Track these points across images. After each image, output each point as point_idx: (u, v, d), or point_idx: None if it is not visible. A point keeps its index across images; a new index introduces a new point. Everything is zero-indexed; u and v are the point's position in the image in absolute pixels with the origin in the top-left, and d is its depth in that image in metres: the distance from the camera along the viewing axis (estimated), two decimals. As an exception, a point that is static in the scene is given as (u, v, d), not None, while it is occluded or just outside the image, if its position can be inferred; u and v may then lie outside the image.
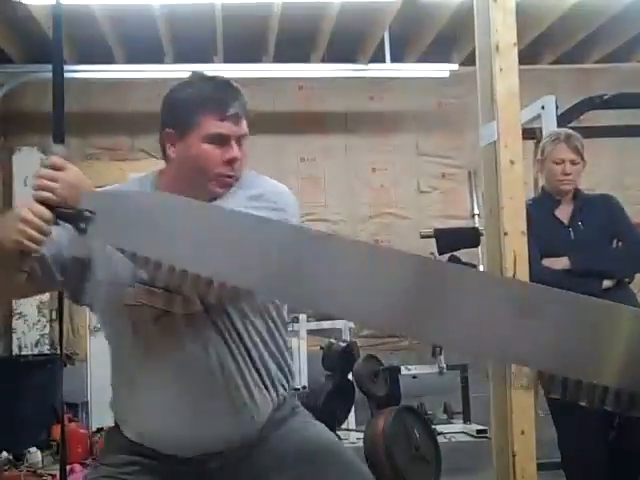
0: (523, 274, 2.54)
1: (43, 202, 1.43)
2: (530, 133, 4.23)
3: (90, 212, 1.41)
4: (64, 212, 1.44)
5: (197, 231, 1.35)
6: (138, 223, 1.40)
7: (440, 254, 5.52)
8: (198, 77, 1.67)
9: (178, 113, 1.62)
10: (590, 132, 4.23)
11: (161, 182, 1.68)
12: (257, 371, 1.63)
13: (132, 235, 1.39)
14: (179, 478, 1.62)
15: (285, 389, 1.71)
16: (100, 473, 1.64)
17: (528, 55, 5.95)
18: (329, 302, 1.23)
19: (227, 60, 6.07)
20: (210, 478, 1.62)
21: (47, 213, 1.42)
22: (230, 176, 1.63)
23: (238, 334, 1.60)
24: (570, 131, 3.09)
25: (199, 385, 1.58)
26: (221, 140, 1.60)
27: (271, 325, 1.68)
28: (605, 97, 4.59)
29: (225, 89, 1.64)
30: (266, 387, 1.64)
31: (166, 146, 1.65)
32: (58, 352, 4.88)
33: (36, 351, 5.97)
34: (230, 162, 1.61)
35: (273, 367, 1.67)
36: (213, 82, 1.65)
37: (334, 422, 3.96)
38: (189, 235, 1.35)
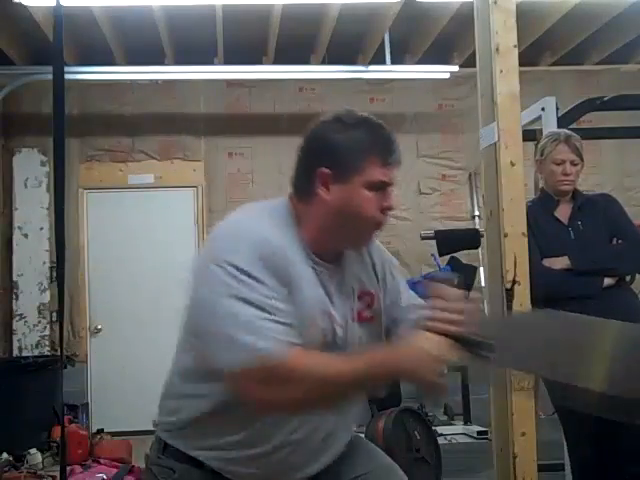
0: (523, 275, 2.54)
1: (442, 333, 1.40)
2: (530, 135, 4.23)
3: (489, 338, 1.39)
4: (465, 341, 1.41)
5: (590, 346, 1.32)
6: (536, 345, 1.37)
7: (440, 255, 5.52)
8: (356, 118, 1.57)
9: (339, 154, 1.52)
10: (590, 134, 4.24)
11: (303, 219, 1.56)
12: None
13: (533, 358, 1.37)
14: None
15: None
16: None
17: (528, 57, 5.95)
18: None
19: (227, 62, 6.08)
20: None
21: (455, 346, 1.40)
22: (382, 225, 1.59)
23: None
24: (569, 132, 3.09)
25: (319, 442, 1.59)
26: (381, 187, 1.54)
27: None
28: (605, 99, 4.59)
29: (388, 134, 1.58)
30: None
31: (315, 185, 1.53)
32: (58, 354, 4.88)
33: (36, 353, 5.97)
34: (387, 210, 1.56)
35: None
36: (374, 126, 1.58)
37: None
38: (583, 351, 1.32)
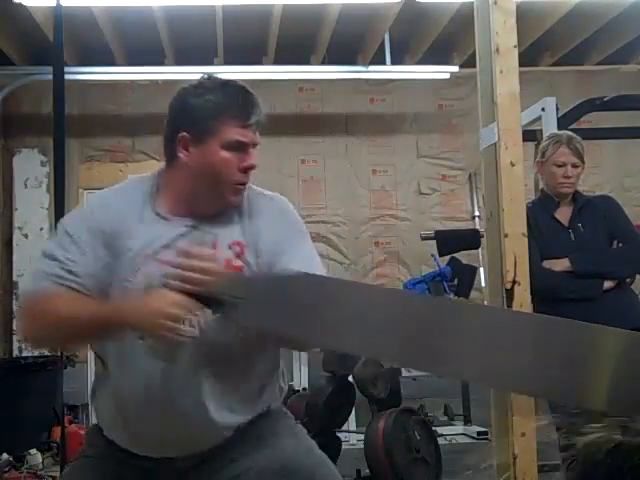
0: (523, 276, 2.54)
1: (183, 292, 1.44)
2: (530, 135, 4.24)
3: (237, 298, 1.43)
4: (210, 299, 1.44)
5: (339, 309, 1.38)
6: (281, 305, 1.44)
7: (440, 256, 5.53)
8: (215, 82, 1.64)
9: (196, 117, 1.60)
10: (590, 134, 4.24)
11: (164, 185, 1.67)
12: (235, 389, 1.64)
13: (276, 317, 1.43)
14: (152, 474, 1.66)
15: (269, 403, 1.72)
16: (81, 463, 1.72)
17: (528, 57, 5.96)
18: (457, 365, 1.26)
19: (227, 62, 6.08)
20: (181, 476, 1.66)
21: (194, 305, 1.44)
22: (244, 184, 1.65)
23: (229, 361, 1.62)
24: (571, 133, 3.08)
25: (175, 393, 1.58)
26: (240, 148, 1.60)
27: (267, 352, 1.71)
28: (605, 99, 4.59)
29: (246, 96, 1.63)
30: (244, 400, 1.65)
31: (177, 149, 1.62)
32: (58, 354, 4.87)
33: (36, 353, 5.96)
34: (247, 170, 1.63)
35: (256, 385, 1.68)
36: (233, 88, 1.63)
37: (334, 424, 3.96)
38: (332, 313, 1.39)
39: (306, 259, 1.66)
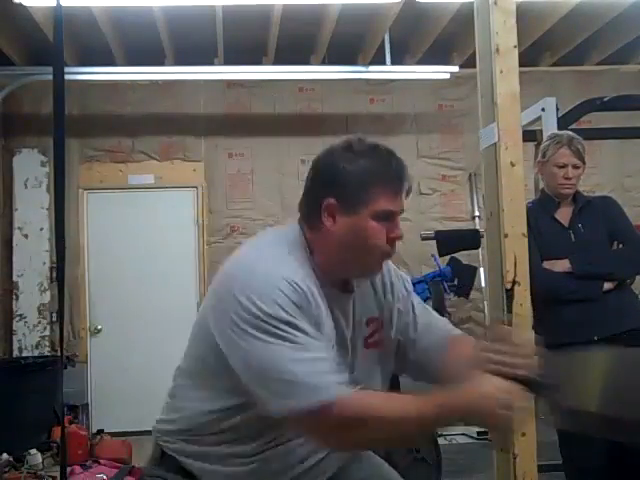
0: (523, 276, 2.54)
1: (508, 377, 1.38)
2: (530, 135, 4.24)
3: (554, 378, 1.39)
4: (531, 383, 1.38)
5: None
6: (596, 384, 1.39)
7: (441, 256, 5.53)
8: (365, 145, 1.54)
9: (347, 185, 1.49)
10: (590, 134, 4.24)
11: (314, 251, 1.55)
12: None
13: (593, 396, 1.39)
14: None
15: None
16: None
17: (528, 57, 5.95)
18: None
19: (227, 62, 6.08)
20: None
21: (523, 391, 1.37)
22: (391, 255, 1.57)
23: None
24: (572, 134, 3.07)
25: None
26: (389, 217, 1.51)
27: None
28: (605, 99, 4.59)
29: (398, 163, 1.53)
30: None
31: (322, 215, 1.51)
32: (58, 354, 4.87)
33: (36, 353, 5.97)
34: (395, 240, 1.54)
35: None
36: (385, 153, 1.54)
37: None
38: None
39: (432, 313, 1.72)
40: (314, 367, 1.37)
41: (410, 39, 6.18)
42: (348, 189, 1.49)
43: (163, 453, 1.60)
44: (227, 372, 1.44)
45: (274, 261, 1.48)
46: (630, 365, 1.31)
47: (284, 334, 1.38)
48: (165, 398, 1.66)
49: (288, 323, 1.39)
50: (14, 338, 6.00)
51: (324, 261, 1.53)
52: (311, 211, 1.55)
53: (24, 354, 5.94)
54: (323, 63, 6.26)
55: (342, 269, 1.55)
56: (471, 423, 1.44)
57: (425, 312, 1.73)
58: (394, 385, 4.07)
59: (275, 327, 1.38)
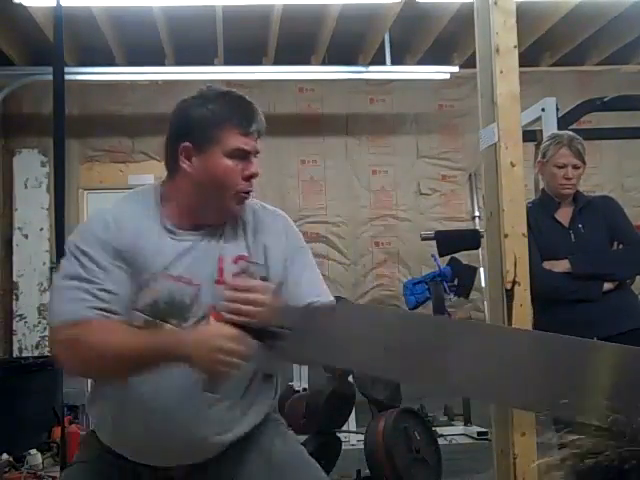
0: (523, 276, 2.54)
1: (235, 324, 1.42)
2: (531, 135, 4.24)
3: (286, 329, 1.42)
4: (261, 332, 1.43)
5: (373, 336, 1.38)
6: (327, 337, 1.43)
7: (440, 256, 5.53)
8: (214, 91, 1.66)
9: (198, 127, 1.60)
10: (590, 134, 4.24)
11: (168, 196, 1.66)
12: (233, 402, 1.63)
13: (322, 349, 1.43)
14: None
15: (264, 413, 1.72)
16: (77, 467, 1.71)
17: (528, 57, 5.96)
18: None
19: (227, 62, 6.08)
20: None
21: (248, 339, 1.42)
22: (248, 192, 1.64)
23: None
24: (572, 134, 3.07)
25: (175, 405, 1.58)
26: (242, 156, 1.61)
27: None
28: (605, 99, 4.60)
29: (247, 105, 1.65)
30: (242, 413, 1.65)
31: (179, 159, 1.61)
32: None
33: (36, 353, 5.97)
34: (250, 178, 1.62)
35: (254, 396, 1.68)
36: (233, 97, 1.65)
37: (334, 424, 3.96)
38: (367, 341, 1.39)
39: (311, 277, 1.71)
40: (73, 286, 1.54)
41: (410, 39, 6.18)
42: (199, 131, 1.60)
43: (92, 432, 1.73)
44: None
45: (104, 209, 1.68)
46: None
47: (75, 257, 1.58)
48: None
49: (81, 250, 1.58)
50: (14, 338, 6.01)
51: (179, 207, 1.63)
52: (170, 159, 1.65)
53: (24, 354, 5.94)
54: (323, 63, 6.27)
55: (201, 209, 1.63)
56: (182, 363, 1.46)
57: (302, 271, 1.71)
58: (394, 387, 4.05)
59: (71, 252, 1.59)
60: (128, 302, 1.56)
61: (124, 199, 1.73)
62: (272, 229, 1.71)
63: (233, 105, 1.63)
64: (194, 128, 1.61)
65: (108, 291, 1.54)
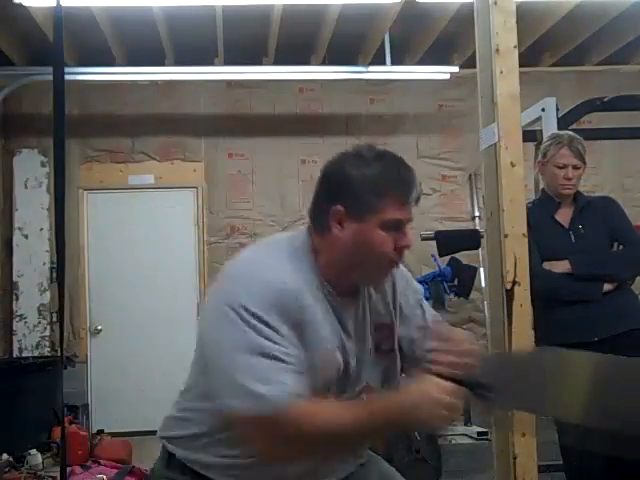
0: (523, 276, 2.54)
1: (446, 377, 1.37)
2: (531, 135, 4.24)
3: (492, 378, 1.39)
4: (471, 383, 1.39)
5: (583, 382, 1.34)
6: (534, 385, 1.38)
7: (440, 256, 5.53)
8: (373, 153, 1.52)
9: (356, 193, 1.48)
10: (590, 134, 4.24)
11: (320, 252, 1.54)
12: None
13: (531, 397, 1.38)
14: None
15: None
16: None
17: (528, 57, 5.96)
18: None
19: (227, 62, 6.08)
20: None
21: (461, 391, 1.37)
22: (398, 263, 1.58)
23: None
24: (573, 134, 3.07)
25: None
26: (397, 227, 1.50)
27: None
28: (605, 99, 4.60)
29: (407, 171, 1.52)
30: None
31: (330, 221, 1.50)
32: (58, 354, 4.87)
33: (36, 353, 5.97)
34: (403, 249, 1.53)
35: None
36: (393, 162, 1.53)
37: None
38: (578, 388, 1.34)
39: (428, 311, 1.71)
40: (267, 365, 1.37)
41: (410, 39, 6.18)
42: (356, 196, 1.48)
43: (170, 456, 1.60)
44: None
45: (267, 262, 1.49)
46: (616, 374, 1.31)
47: (254, 324, 1.39)
48: (171, 409, 1.66)
49: (260, 319, 1.39)
50: (14, 338, 6.00)
51: (329, 266, 1.52)
52: (320, 217, 1.53)
53: (24, 354, 5.94)
54: (323, 63, 6.26)
55: (348, 275, 1.54)
56: (409, 426, 1.42)
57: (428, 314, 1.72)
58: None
59: (246, 319, 1.39)
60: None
61: (277, 248, 1.56)
62: (401, 278, 1.70)
63: (394, 172, 1.50)
64: (350, 192, 1.48)
65: (300, 373, 1.40)
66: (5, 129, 6.23)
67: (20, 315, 6.02)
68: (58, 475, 3.68)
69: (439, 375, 1.36)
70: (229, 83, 6.36)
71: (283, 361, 1.37)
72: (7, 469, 4.63)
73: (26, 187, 6.12)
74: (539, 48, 6.24)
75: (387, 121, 6.57)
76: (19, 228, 6.09)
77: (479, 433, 5.05)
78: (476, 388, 1.38)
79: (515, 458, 2.52)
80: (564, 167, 2.97)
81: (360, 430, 1.38)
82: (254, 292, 1.42)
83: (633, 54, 6.57)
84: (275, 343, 1.38)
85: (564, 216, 3.03)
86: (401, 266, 1.67)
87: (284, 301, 1.42)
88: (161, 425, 1.66)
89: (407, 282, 1.72)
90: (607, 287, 2.91)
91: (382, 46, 5.93)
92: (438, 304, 5.18)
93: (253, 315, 1.39)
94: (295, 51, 6.06)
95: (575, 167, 2.98)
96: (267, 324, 1.39)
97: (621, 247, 3.02)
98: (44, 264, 6.05)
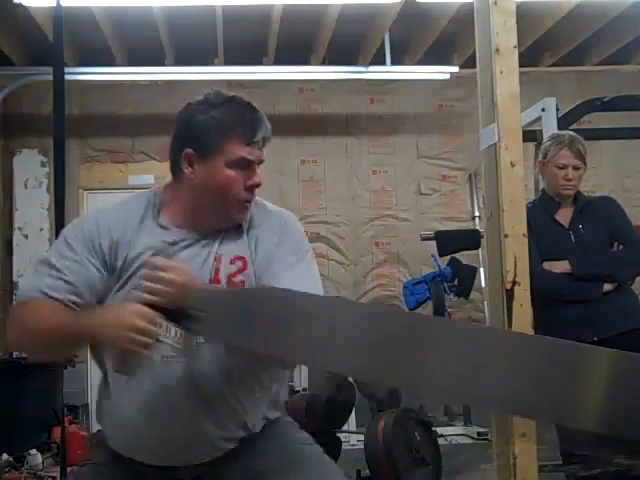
0: (523, 276, 2.54)
1: (149, 304, 1.44)
2: (531, 135, 4.24)
3: (200, 311, 1.42)
4: (173, 313, 1.44)
5: (309, 324, 1.36)
6: (248, 319, 1.41)
7: (441, 256, 5.53)
8: (220, 98, 1.63)
9: (202, 135, 1.59)
10: (590, 134, 4.24)
11: (170, 198, 1.67)
12: (239, 405, 1.62)
13: (241, 331, 1.41)
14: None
15: (272, 415, 1.73)
16: (86, 469, 1.70)
17: (529, 57, 5.96)
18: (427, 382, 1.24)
19: (227, 62, 6.08)
20: None
21: (156, 317, 1.43)
22: (249, 201, 1.65)
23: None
24: (573, 134, 3.07)
25: (181, 403, 1.58)
26: (245, 165, 1.61)
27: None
28: (605, 99, 4.60)
29: (252, 113, 1.62)
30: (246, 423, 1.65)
31: (182, 164, 1.62)
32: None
33: (36, 353, 5.96)
34: (252, 187, 1.63)
35: (258, 406, 1.68)
36: (239, 105, 1.63)
37: (334, 424, 3.96)
38: (300, 328, 1.37)
39: (295, 279, 1.59)
40: (43, 273, 1.59)
41: (410, 39, 6.18)
42: (202, 138, 1.59)
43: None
44: None
45: (96, 211, 1.73)
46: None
47: (57, 246, 1.65)
48: None
49: (66, 241, 1.63)
50: (14, 338, 6.00)
51: (180, 211, 1.64)
52: (173, 163, 1.65)
53: (24, 354, 5.94)
54: (323, 63, 6.27)
55: (202, 215, 1.63)
56: (105, 342, 1.51)
57: (285, 271, 1.65)
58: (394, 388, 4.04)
59: (58, 241, 1.67)
60: (102, 294, 1.60)
61: (125, 199, 1.73)
62: (268, 226, 1.71)
63: (238, 114, 1.61)
64: (197, 135, 1.60)
65: (68, 282, 1.57)
66: (5, 129, 6.24)
67: (20, 315, 6.02)
68: (58, 475, 3.69)
69: (145, 302, 1.43)
70: (229, 83, 6.35)
71: (58, 270, 1.58)
72: (7, 469, 4.63)
73: (26, 187, 6.12)
74: (539, 48, 6.25)
75: (387, 121, 6.57)
76: (19, 228, 6.09)
77: (479, 433, 5.06)
78: (179, 318, 1.45)
79: (515, 458, 2.52)
80: (564, 167, 2.97)
81: (64, 333, 1.53)
82: (75, 225, 1.70)
83: (633, 54, 6.58)
84: (63, 258, 1.60)
85: (564, 216, 3.03)
86: (290, 223, 1.75)
87: (92, 232, 1.62)
88: None
89: (280, 237, 1.70)
90: (607, 287, 2.91)
91: (382, 46, 5.93)
92: (438, 304, 5.19)
93: (65, 241, 1.64)
94: (295, 51, 6.07)
95: (575, 168, 2.97)
96: (68, 244, 1.62)
97: (621, 247, 3.02)
98: (44, 264, 6.05)
